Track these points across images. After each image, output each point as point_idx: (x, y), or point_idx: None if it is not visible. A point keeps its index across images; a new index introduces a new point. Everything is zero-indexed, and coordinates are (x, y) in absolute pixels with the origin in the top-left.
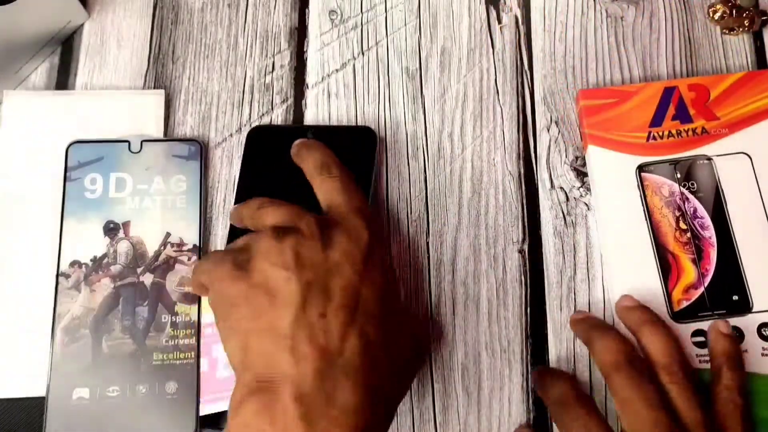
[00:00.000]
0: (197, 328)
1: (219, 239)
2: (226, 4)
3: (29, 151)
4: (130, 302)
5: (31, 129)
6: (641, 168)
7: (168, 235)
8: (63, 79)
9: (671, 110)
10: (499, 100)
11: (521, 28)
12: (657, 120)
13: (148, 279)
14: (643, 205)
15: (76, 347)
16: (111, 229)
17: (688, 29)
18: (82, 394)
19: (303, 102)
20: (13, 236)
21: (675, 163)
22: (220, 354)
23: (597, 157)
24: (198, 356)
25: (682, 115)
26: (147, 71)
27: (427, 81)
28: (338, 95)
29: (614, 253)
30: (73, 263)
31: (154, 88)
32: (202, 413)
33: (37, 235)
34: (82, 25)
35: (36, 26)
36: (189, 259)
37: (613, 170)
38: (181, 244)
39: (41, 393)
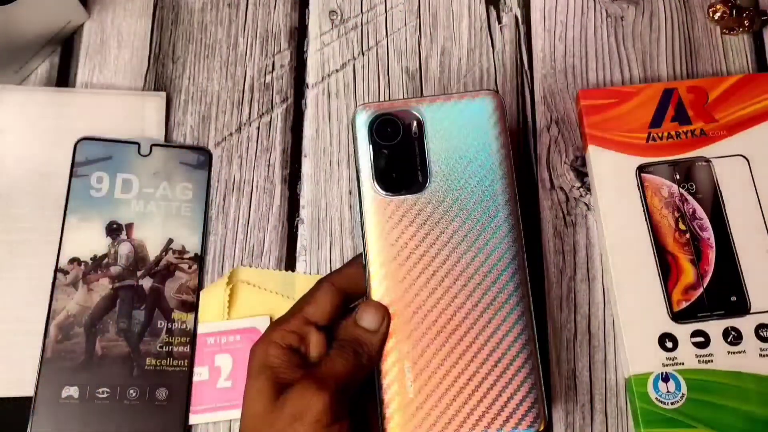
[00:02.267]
0: (192, 336)
1: (218, 239)
2: (226, 4)
3: (30, 147)
4: (127, 305)
5: (33, 125)
6: (641, 168)
7: (170, 241)
8: (63, 79)
9: (670, 111)
10: None
11: (521, 28)
12: (656, 121)
13: (147, 283)
14: (643, 205)
15: (69, 345)
16: (113, 230)
17: (688, 29)
18: (71, 393)
19: (303, 102)
20: (12, 231)
21: (674, 164)
22: (222, 364)
23: (597, 157)
24: (191, 365)
25: (681, 117)
26: (147, 71)
27: (427, 81)
28: (338, 95)
29: (614, 254)
30: (73, 260)
31: (155, 87)
32: (192, 422)
33: (35, 231)
34: (82, 25)
35: (36, 26)
36: (189, 267)
37: (613, 170)
38: (182, 252)
39: (29, 393)
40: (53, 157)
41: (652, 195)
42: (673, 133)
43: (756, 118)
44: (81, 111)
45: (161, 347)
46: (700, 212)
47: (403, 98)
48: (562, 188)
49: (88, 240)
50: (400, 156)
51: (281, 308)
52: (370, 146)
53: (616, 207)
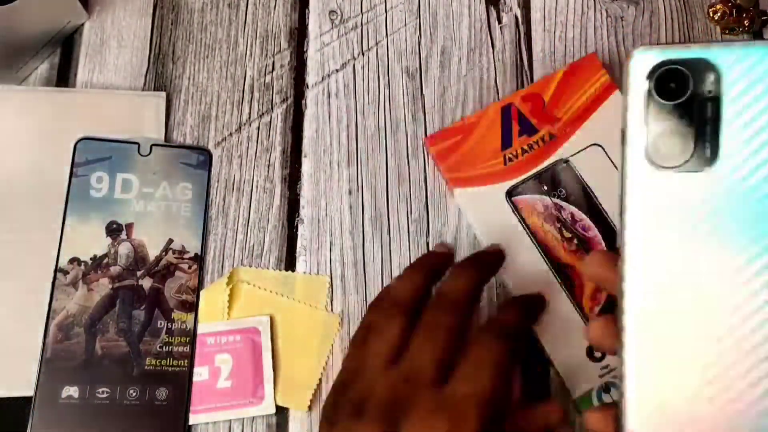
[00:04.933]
0: (192, 336)
1: (218, 239)
2: (226, 4)
3: (30, 147)
4: (127, 305)
5: (33, 125)
6: (509, 193)
7: (170, 241)
8: (63, 79)
9: (515, 127)
10: (499, 100)
11: (521, 28)
12: (506, 141)
13: (147, 283)
14: (524, 228)
15: (69, 345)
16: (113, 230)
17: (688, 29)
18: (70, 393)
19: (303, 102)
20: (12, 231)
21: (538, 177)
22: (222, 364)
23: (466, 198)
24: (191, 365)
25: (527, 128)
26: (147, 71)
27: (427, 81)
28: (338, 95)
29: (515, 285)
30: (73, 260)
31: (155, 87)
32: (192, 422)
33: (35, 231)
34: (82, 25)
35: (36, 26)
36: (189, 267)
37: (485, 205)
38: (182, 252)
39: (29, 393)
40: (53, 157)
41: (529, 215)
42: (525, 146)
43: (593, 103)
44: (81, 111)
45: (161, 347)
46: (578, 214)
47: (690, 41)
48: None
49: (88, 240)
50: (685, 119)
51: (281, 308)
52: (649, 103)
53: (501, 239)
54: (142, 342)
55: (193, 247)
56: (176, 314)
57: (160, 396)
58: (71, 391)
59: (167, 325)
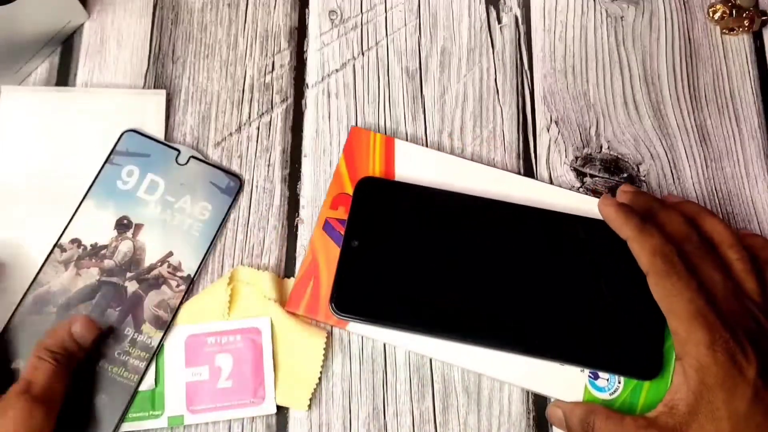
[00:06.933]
0: (152, 355)
1: (217, 238)
2: (226, 4)
3: (30, 147)
4: (105, 301)
5: (33, 125)
6: None
7: (170, 254)
8: (63, 79)
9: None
10: (499, 100)
11: (521, 28)
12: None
13: (131, 287)
14: None
15: (37, 319)
16: (123, 225)
17: (688, 29)
18: (18, 366)
19: (303, 102)
20: (11, 231)
21: None
22: (222, 364)
23: (360, 329)
24: (139, 383)
25: None
26: (147, 71)
27: (427, 81)
28: (338, 95)
29: None
30: (74, 240)
31: (154, 87)
32: (192, 422)
33: (34, 231)
34: (82, 25)
35: (36, 26)
36: (177, 285)
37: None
38: (176, 269)
39: None
40: (53, 156)
41: None
42: None
43: (387, 161)
44: (81, 111)
45: (118, 354)
46: None
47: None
48: (561, 188)
49: (96, 226)
50: None
51: (281, 308)
52: None
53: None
54: (104, 343)
55: (189, 267)
56: (146, 327)
57: (99, 403)
58: (20, 364)
59: (133, 335)
